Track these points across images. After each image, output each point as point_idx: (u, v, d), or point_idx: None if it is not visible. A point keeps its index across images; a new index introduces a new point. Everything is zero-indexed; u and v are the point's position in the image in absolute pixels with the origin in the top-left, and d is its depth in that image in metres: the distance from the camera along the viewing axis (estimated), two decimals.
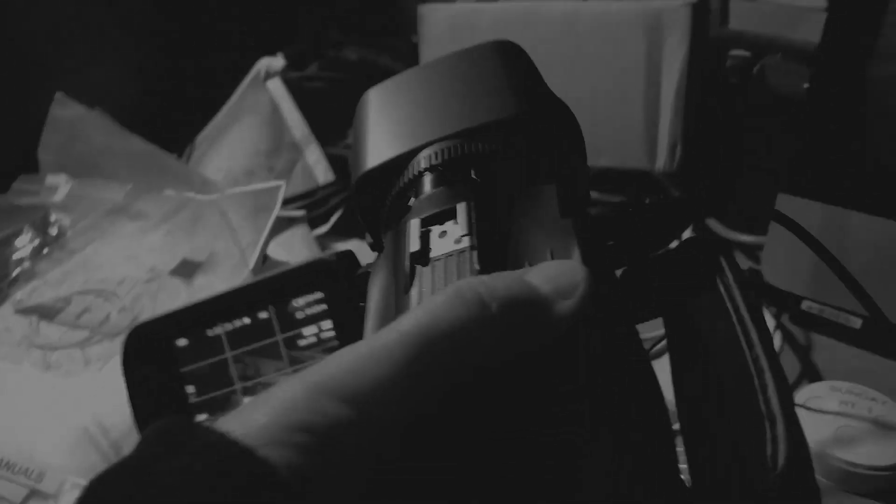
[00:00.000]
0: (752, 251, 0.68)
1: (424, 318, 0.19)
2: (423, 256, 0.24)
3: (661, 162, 0.67)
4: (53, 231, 0.67)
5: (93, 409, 0.51)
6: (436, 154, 0.27)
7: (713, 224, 0.71)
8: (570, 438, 0.18)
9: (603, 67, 0.66)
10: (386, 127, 0.30)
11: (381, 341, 0.18)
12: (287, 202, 0.73)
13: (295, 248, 0.67)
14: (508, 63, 0.30)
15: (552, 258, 0.22)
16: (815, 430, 0.48)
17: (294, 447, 0.16)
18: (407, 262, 0.24)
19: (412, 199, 0.27)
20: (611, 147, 0.68)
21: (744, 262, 0.68)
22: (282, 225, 0.69)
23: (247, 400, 0.32)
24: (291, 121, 0.78)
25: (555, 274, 0.20)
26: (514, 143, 0.28)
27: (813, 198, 0.53)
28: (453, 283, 0.20)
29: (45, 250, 0.65)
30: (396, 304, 0.23)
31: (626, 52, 0.65)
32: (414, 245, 0.24)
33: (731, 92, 0.73)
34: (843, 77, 0.48)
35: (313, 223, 0.74)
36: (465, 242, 0.23)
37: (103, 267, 0.62)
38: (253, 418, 0.17)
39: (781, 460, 0.19)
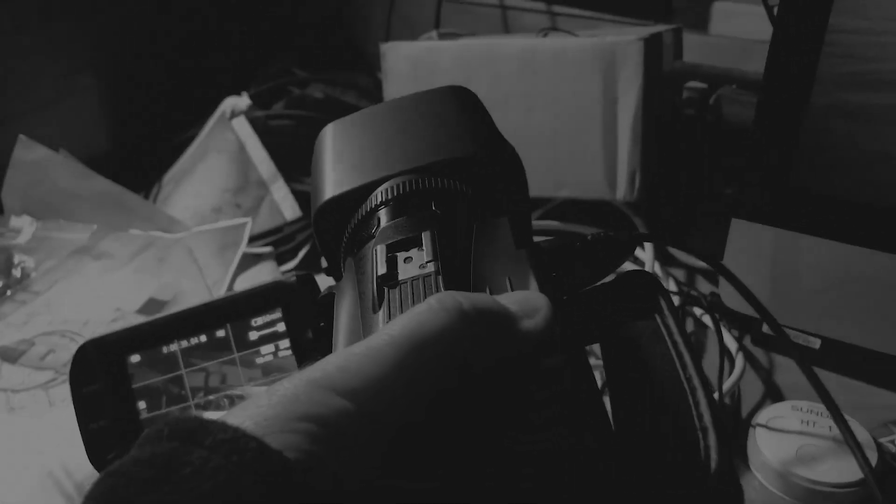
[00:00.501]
0: (713, 276, 0.69)
1: (411, 324, 0.20)
2: (390, 279, 0.25)
3: (621, 192, 0.69)
4: (17, 273, 0.66)
5: (57, 451, 0.50)
6: (399, 186, 0.29)
7: (674, 251, 0.72)
8: (548, 445, 0.19)
9: (561, 101, 0.68)
10: (345, 160, 0.32)
11: (373, 343, 0.20)
12: (254, 239, 0.73)
13: None
14: (463, 107, 0.33)
15: (510, 285, 0.24)
16: (778, 449, 0.48)
17: (303, 434, 0.17)
18: (374, 285, 0.25)
19: (375, 228, 0.28)
20: (572, 178, 0.70)
21: (705, 287, 0.69)
22: (249, 261, 0.69)
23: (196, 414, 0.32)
24: (257, 158, 0.79)
25: (521, 298, 0.22)
26: (469, 180, 0.30)
27: (766, 223, 0.55)
28: (433, 295, 0.21)
29: (9, 292, 0.64)
30: (364, 324, 0.25)
31: (583, 86, 0.67)
32: (381, 269, 0.25)
33: (692, 122, 0.75)
34: (787, 106, 0.50)
35: (281, 259, 0.74)
36: (431, 268, 0.25)
37: (68, 308, 0.61)
38: (259, 412, 0.18)
39: (714, 465, 0.21)
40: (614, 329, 0.27)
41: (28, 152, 0.75)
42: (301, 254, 0.75)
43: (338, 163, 0.32)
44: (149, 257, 0.67)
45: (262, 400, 0.18)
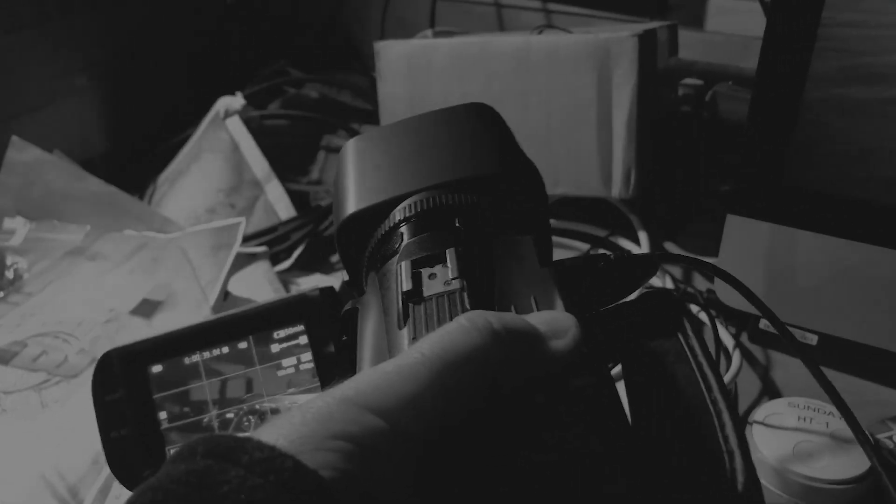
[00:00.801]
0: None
1: (442, 343, 0.20)
2: (416, 295, 0.25)
3: (616, 188, 0.68)
4: (10, 275, 0.66)
5: (49, 453, 0.50)
6: (423, 202, 0.29)
7: (670, 246, 0.72)
8: (577, 465, 0.19)
9: (556, 98, 0.68)
10: (368, 176, 0.32)
11: (405, 361, 0.20)
12: (249, 238, 0.73)
13: (256, 284, 0.67)
14: (485, 124, 0.34)
15: (535, 304, 0.24)
16: (775, 446, 0.48)
17: (338, 453, 0.17)
18: (399, 301, 0.25)
19: (398, 244, 0.29)
20: (567, 175, 0.69)
21: (702, 283, 0.69)
22: (243, 261, 0.68)
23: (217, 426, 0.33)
24: (251, 158, 0.79)
25: (549, 318, 0.23)
26: (492, 197, 0.30)
27: (761, 218, 0.55)
28: (463, 314, 0.22)
29: (1, 294, 0.64)
30: (389, 339, 0.25)
31: (578, 82, 0.66)
32: (406, 285, 0.26)
33: (688, 118, 0.75)
34: (781, 100, 0.50)
35: (275, 259, 0.74)
36: (456, 285, 0.25)
37: (61, 309, 0.61)
38: (293, 430, 0.18)
39: (740, 488, 0.21)
40: (637, 348, 0.27)
41: (21, 153, 0.74)
42: (296, 254, 0.74)
43: (361, 178, 0.32)
44: (143, 258, 0.67)
45: (296, 417, 0.18)
